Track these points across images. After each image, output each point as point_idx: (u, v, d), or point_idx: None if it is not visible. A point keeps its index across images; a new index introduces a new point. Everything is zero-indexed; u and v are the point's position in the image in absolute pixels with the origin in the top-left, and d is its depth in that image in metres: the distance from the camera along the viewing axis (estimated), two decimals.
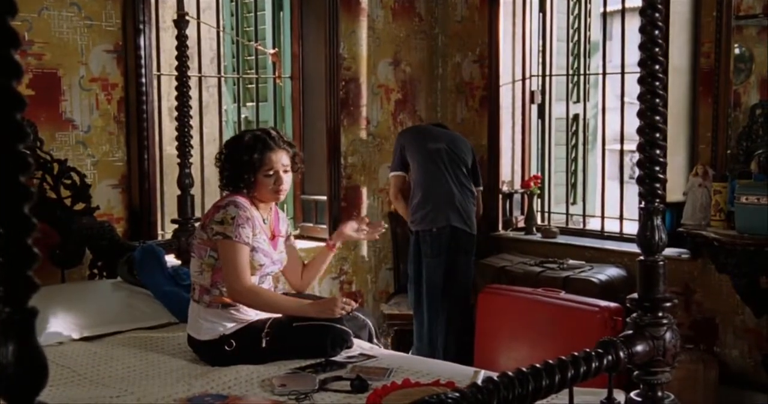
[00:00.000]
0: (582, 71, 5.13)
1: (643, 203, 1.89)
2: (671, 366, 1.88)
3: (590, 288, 3.90)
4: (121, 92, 3.79)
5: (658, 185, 1.87)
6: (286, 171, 2.90)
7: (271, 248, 2.92)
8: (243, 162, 2.83)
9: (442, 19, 5.10)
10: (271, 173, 2.86)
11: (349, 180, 4.71)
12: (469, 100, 5.02)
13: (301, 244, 4.55)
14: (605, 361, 1.70)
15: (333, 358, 2.72)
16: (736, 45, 3.89)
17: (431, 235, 4.19)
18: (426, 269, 4.20)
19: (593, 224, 4.83)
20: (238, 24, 4.98)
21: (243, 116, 4.93)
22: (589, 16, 5.13)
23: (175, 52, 3.65)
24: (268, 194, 2.90)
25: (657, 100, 1.85)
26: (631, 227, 4.27)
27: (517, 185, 4.96)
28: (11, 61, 0.78)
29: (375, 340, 3.01)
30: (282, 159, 2.89)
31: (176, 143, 3.70)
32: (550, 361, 1.59)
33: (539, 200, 4.98)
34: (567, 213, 4.92)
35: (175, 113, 3.72)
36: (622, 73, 4.49)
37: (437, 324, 4.17)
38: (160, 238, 3.92)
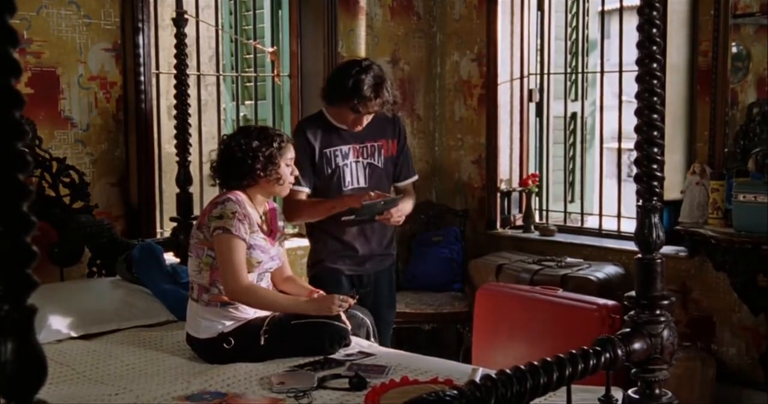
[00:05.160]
0: (580, 70, 5.13)
1: (640, 201, 1.89)
2: (669, 363, 1.89)
3: (588, 286, 3.91)
4: (119, 91, 3.79)
5: (655, 183, 1.88)
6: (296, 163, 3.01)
7: (269, 244, 2.92)
8: (273, 149, 2.87)
9: (440, 18, 5.10)
10: (291, 161, 2.95)
11: None
12: (467, 98, 5.02)
13: (300, 242, 4.55)
14: (603, 359, 1.71)
15: (331, 356, 2.72)
16: (733, 44, 3.89)
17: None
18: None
19: (591, 223, 4.83)
20: (236, 22, 4.99)
21: (242, 114, 4.93)
22: (587, 15, 5.13)
23: (174, 51, 3.65)
24: (289, 183, 2.96)
25: (655, 98, 1.86)
26: (629, 225, 4.27)
27: (515, 184, 4.96)
28: (10, 59, 0.78)
29: (372, 338, 3.02)
30: (293, 152, 2.99)
31: (175, 142, 3.70)
32: (548, 359, 1.60)
33: (537, 199, 4.97)
34: (565, 211, 4.92)
35: (174, 112, 3.72)
36: (620, 71, 4.49)
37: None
38: (158, 236, 3.92)
